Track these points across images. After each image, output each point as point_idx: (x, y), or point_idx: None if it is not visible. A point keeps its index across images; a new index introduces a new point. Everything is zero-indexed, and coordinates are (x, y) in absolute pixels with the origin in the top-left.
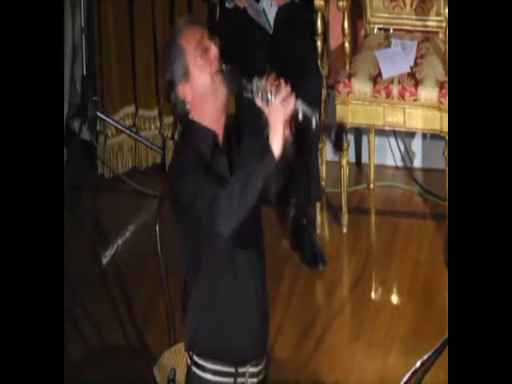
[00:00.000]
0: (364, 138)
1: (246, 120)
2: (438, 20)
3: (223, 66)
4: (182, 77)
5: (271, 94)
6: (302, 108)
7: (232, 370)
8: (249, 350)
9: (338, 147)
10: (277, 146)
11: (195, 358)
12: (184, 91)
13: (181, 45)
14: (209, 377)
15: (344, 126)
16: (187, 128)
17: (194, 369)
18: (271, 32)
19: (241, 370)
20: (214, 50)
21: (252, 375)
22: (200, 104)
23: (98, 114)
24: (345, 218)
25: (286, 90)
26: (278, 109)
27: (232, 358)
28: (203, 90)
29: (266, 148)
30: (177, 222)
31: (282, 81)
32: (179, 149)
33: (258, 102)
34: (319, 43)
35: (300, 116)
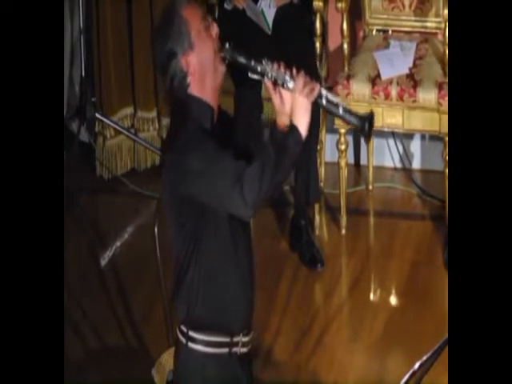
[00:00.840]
0: (362, 140)
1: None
2: (436, 21)
3: (226, 45)
4: (186, 48)
5: (289, 78)
6: (325, 94)
7: (227, 339)
8: (242, 319)
9: (369, 137)
10: (303, 127)
11: (191, 333)
12: (187, 62)
13: (185, 16)
14: (204, 349)
15: (373, 115)
16: (185, 102)
17: (190, 344)
18: (270, 33)
19: (235, 339)
20: (215, 28)
21: (243, 344)
22: (201, 78)
23: (97, 115)
24: (343, 219)
25: (304, 76)
26: (305, 91)
27: (228, 329)
28: (207, 63)
29: (292, 129)
30: (180, 197)
31: (294, 69)
32: (179, 123)
33: (269, 84)
34: (318, 44)
35: (324, 102)
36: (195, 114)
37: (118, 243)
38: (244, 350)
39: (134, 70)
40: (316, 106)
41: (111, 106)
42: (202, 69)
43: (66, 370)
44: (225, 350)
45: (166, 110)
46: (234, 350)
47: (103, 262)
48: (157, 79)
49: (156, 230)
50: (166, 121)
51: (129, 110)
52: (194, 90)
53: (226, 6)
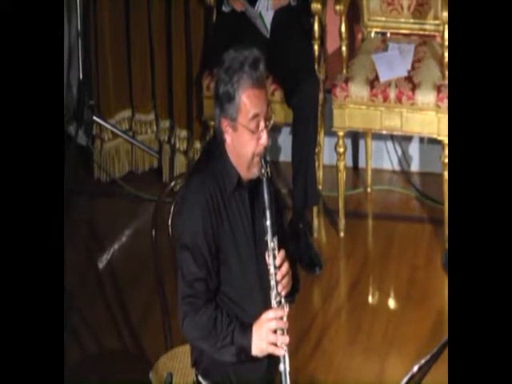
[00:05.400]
0: (361, 142)
1: None
2: (435, 23)
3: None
4: (229, 118)
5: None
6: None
7: None
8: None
9: None
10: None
11: (200, 379)
12: (226, 129)
13: (241, 98)
14: None
15: None
16: (216, 153)
17: None
18: (268, 36)
19: None
20: (264, 138)
21: None
22: (235, 152)
23: (95, 118)
24: (342, 222)
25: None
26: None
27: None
28: (242, 146)
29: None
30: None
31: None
32: (201, 164)
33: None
34: (316, 47)
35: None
36: (220, 172)
37: (116, 246)
38: None
39: (131, 72)
40: (316, 110)
41: (109, 109)
42: (235, 148)
43: (64, 373)
44: None
45: (163, 112)
46: None
47: (101, 265)
48: (154, 82)
49: (154, 232)
50: (163, 123)
51: (126, 113)
52: (228, 149)
53: (223, 8)
